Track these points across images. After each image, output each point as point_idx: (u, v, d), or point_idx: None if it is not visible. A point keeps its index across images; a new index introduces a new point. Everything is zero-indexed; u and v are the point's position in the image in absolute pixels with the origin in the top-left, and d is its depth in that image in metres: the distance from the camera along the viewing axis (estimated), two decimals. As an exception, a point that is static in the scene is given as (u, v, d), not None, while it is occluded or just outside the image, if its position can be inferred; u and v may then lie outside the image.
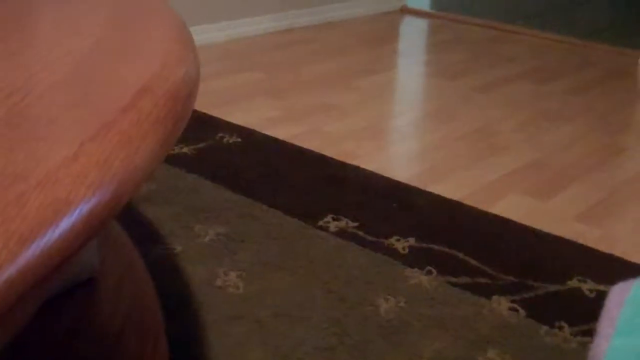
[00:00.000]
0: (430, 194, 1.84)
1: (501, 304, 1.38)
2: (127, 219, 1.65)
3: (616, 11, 4.48)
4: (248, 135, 2.17)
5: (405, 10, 4.03)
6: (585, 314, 1.36)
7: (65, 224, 0.48)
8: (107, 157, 0.54)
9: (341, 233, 1.62)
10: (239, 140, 2.13)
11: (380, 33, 3.58)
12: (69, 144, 0.54)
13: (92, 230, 0.50)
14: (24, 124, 0.58)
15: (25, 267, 0.45)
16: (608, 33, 3.77)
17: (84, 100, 0.63)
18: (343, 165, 1.99)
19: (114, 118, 0.59)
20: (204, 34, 3.16)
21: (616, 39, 3.55)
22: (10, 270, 0.45)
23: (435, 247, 1.58)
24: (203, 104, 2.42)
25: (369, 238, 1.61)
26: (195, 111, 2.35)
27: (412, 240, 1.60)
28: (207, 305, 1.35)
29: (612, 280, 1.48)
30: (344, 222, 1.67)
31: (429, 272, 1.48)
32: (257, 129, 2.22)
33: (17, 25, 0.89)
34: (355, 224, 1.67)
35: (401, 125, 2.36)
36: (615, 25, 4.06)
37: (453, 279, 1.46)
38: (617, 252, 1.60)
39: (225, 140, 2.12)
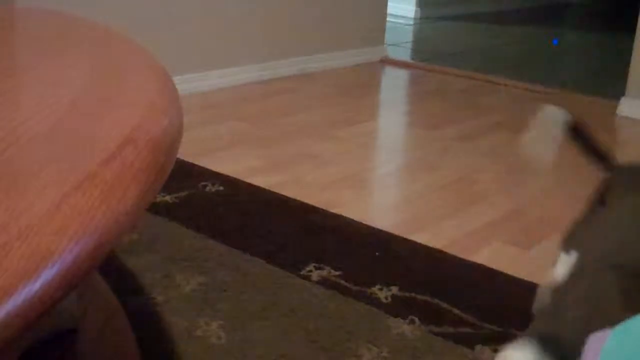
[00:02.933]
0: (412, 242, 1.84)
1: (484, 353, 1.38)
2: (108, 268, 1.64)
3: (593, 61, 4.57)
4: (230, 184, 2.17)
5: (385, 61, 4.09)
6: (567, 363, 1.36)
7: (46, 275, 0.48)
8: (89, 208, 0.54)
9: (324, 282, 1.62)
10: (222, 188, 2.13)
11: (361, 83, 3.62)
12: (51, 195, 0.54)
13: (73, 281, 0.50)
14: (6, 176, 0.58)
15: (5, 318, 0.45)
16: (585, 83, 3.83)
17: (66, 151, 0.63)
18: (325, 214, 1.99)
19: (97, 169, 0.59)
20: (188, 84, 3.18)
21: (593, 89, 3.62)
22: (-10, 322, 0.44)
23: (418, 296, 1.58)
24: (186, 153, 2.43)
25: (352, 287, 1.60)
26: (177, 160, 2.35)
27: (394, 289, 1.60)
28: (188, 356, 1.34)
29: (594, 329, 1.48)
30: (326, 271, 1.67)
31: (412, 322, 1.48)
32: (240, 177, 2.23)
33: (1, 78, 0.90)
34: (338, 273, 1.66)
35: (382, 174, 2.38)
36: (592, 75, 4.14)
37: (436, 329, 1.46)
38: (598, 300, 1.60)
39: (207, 188, 2.12)
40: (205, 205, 2.02)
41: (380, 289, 1.60)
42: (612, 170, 1.23)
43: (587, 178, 2.39)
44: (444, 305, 1.55)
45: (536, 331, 0.86)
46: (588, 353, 0.72)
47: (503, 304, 1.56)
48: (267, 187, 2.17)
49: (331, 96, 3.31)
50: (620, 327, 0.74)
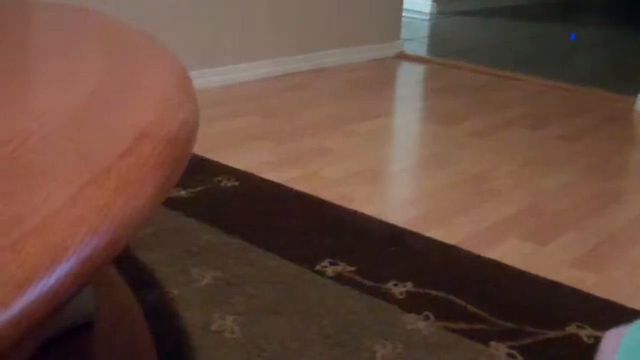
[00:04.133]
0: (427, 238, 1.84)
1: (499, 350, 1.37)
2: (123, 262, 1.65)
3: (610, 57, 4.53)
4: (245, 179, 2.17)
5: (402, 56, 4.08)
6: (583, 361, 1.35)
7: (61, 269, 0.48)
8: (105, 203, 0.54)
9: (338, 277, 1.62)
10: (237, 183, 2.13)
11: (377, 79, 3.61)
12: (66, 190, 0.54)
13: (88, 276, 0.50)
14: (22, 170, 0.59)
15: (20, 313, 0.45)
16: (602, 79, 3.80)
17: (82, 146, 0.63)
18: (340, 209, 1.99)
19: (113, 163, 0.59)
20: (203, 79, 3.19)
21: (610, 84, 3.59)
22: (6, 316, 0.45)
23: (433, 292, 1.58)
24: (201, 148, 2.43)
25: (366, 283, 1.60)
26: (193, 155, 2.36)
27: (409, 285, 1.60)
28: (203, 351, 1.34)
29: (610, 326, 1.47)
30: (341, 267, 1.67)
31: (426, 318, 1.47)
32: (255, 172, 2.23)
33: (15, 73, 0.90)
34: (353, 269, 1.66)
35: (398, 170, 2.37)
36: (609, 71, 4.11)
37: (450, 325, 1.45)
38: (615, 297, 1.59)
39: (222, 183, 2.13)
40: (220, 200, 2.02)
41: (395, 285, 1.60)
42: None
43: (605, 173, 2.37)
44: (459, 301, 1.54)
45: None
46: (604, 349, 0.72)
47: (518, 300, 1.56)
48: (282, 182, 2.17)
49: (347, 91, 3.31)
50: (638, 323, 0.73)
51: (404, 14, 4.21)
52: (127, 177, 0.58)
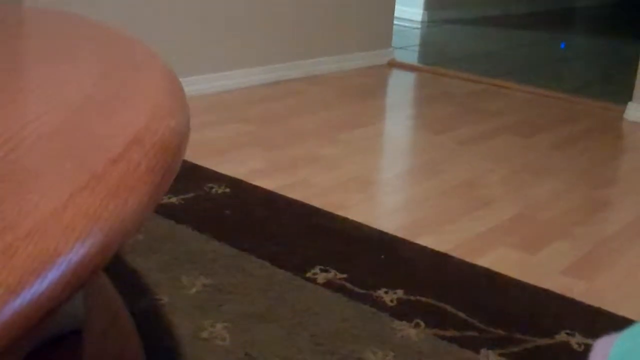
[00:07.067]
0: (418, 246, 1.84)
1: (489, 358, 1.38)
2: (113, 269, 1.64)
3: (600, 66, 4.56)
4: (236, 186, 2.17)
5: (393, 64, 4.09)
6: (573, 368, 1.36)
7: (52, 275, 0.48)
8: (96, 209, 0.54)
9: (329, 285, 1.62)
10: (228, 190, 2.13)
11: (369, 86, 3.62)
12: (58, 195, 0.54)
13: (79, 282, 0.50)
14: (13, 175, 0.58)
15: (11, 318, 0.45)
16: (592, 88, 3.82)
17: (73, 151, 0.63)
18: (331, 216, 1.99)
19: (104, 169, 0.59)
20: (194, 86, 3.19)
21: (600, 93, 3.61)
22: (-4, 322, 0.44)
23: (423, 299, 1.58)
24: (192, 155, 2.43)
25: (357, 290, 1.60)
26: (184, 161, 2.35)
27: (400, 293, 1.60)
28: (193, 358, 1.34)
29: (600, 334, 1.47)
30: (332, 274, 1.67)
31: (417, 325, 1.48)
32: (246, 179, 2.23)
33: (8, 78, 0.90)
34: (343, 276, 1.66)
35: (389, 177, 2.37)
36: (599, 79, 4.13)
37: (441, 332, 1.46)
38: (604, 305, 1.60)
39: (213, 190, 2.12)
40: (211, 207, 2.02)
41: (386, 292, 1.60)
42: None
43: (595, 181, 2.38)
44: (449, 308, 1.54)
45: None
46: (595, 358, 0.72)
47: (508, 308, 1.56)
48: (273, 190, 2.17)
49: (338, 99, 3.31)
50: (628, 331, 0.74)
51: (395, 22, 4.23)
52: (118, 184, 0.58)
